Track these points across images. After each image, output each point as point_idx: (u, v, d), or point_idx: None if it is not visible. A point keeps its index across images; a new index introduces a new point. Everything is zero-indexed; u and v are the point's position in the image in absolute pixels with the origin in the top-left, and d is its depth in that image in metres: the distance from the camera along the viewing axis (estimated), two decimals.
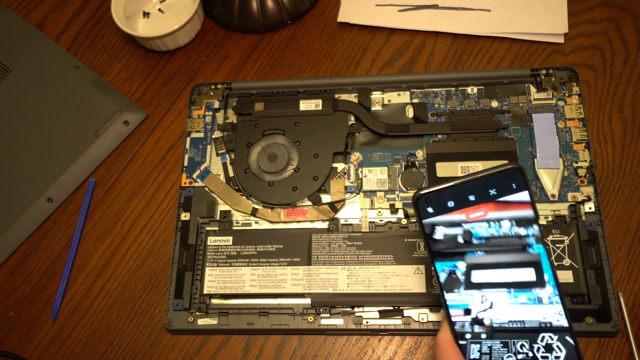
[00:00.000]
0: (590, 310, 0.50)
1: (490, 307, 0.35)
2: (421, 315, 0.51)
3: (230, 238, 0.56)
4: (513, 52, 0.63)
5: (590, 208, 0.53)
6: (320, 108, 0.60)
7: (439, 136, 0.58)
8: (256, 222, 0.57)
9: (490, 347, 0.34)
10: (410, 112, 0.60)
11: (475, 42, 0.64)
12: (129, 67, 0.68)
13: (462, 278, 0.35)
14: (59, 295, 0.57)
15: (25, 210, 0.59)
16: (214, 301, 0.54)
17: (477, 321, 0.35)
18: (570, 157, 0.55)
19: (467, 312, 0.35)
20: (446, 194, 0.35)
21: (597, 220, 0.52)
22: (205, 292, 0.54)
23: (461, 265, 0.35)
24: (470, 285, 0.35)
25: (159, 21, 0.69)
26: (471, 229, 0.35)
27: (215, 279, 0.54)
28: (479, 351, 0.35)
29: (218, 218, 0.57)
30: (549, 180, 0.55)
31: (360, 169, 0.58)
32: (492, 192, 0.35)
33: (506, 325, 0.34)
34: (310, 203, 0.57)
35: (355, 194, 0.57)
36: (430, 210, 0.35)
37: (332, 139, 0.59)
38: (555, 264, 0.51)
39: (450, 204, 0.35)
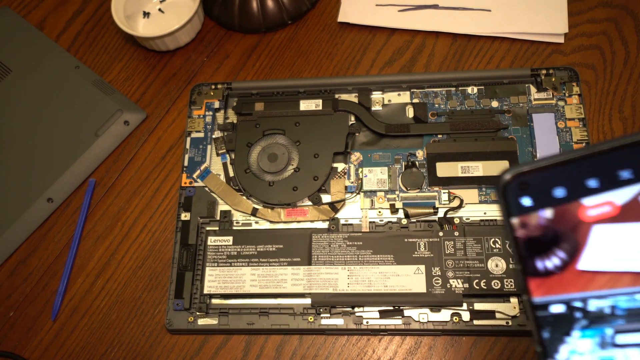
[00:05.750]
0: None
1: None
2: (421, 315, 0.51)
3: (231, 238, 0.56)
4: (513, 52, 0.63)
5: None
6: (320, 108, 0.60)
7: (439, 136, 0.58)
8: (256, 222, 0.57)
9: None
10: (410, 112, 0.60)
11: (476, 42, 0.64)
12: (129, 67, 0.68)
13: (610, 341, 0.28)
14: (59, 295, 0.57)
15: (25, 210, 0.59)
16: (214, 301, 0.54)
17: None
18: None
19: None
20: (553, 177, 0.25)
21: None
22: (205, 292, 0.54)
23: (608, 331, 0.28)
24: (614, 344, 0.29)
25: (159, 21, 0.69)
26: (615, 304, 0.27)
27: (215, 279, 0.54)
28: None
29: (218, 218, 0.57)
30: None
31: (360, 169, 0.58)
32: (624, 174, 0.25)
33: None
34: (310, 203, 0.57)
35: (355, 194, 0.57)
36: (526, 202, 0.25)
37: (332, 139, 0.59)
38: None
39: (559, 192, 0.25)
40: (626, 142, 0.25)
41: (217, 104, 0.62)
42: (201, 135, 0.61)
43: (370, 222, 0.56)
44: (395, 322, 0.51)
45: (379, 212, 0.56)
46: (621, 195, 0.25)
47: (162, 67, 0.67)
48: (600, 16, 0.63)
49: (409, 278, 0.52)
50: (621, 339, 0.29)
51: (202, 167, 0.59)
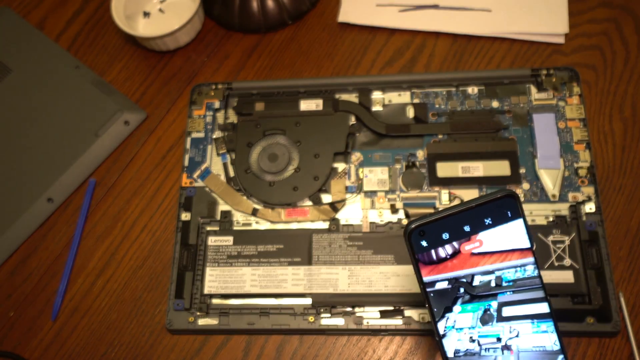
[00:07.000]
0: (591, 310, 0.50)
1: (517, 336, 0.35)
2: (422, 315, 0.51)
3: (231, 238, 0.56)
4: (513, 52, 0.63)
5: (590, 208, 0.53)
6: (320, 108, 0.60)
7: (439, 136, 0.58)
8: (257, 222, 0.57)
9: None
10: (410, 112, 0.60)
11: (476, 42, 0.64)
12: (129, 67, 0.68)
13: (494, 314, 0.35)
14: (59, 295, 0.57)
15: (25, 210, 0.59)
16: (215, 301, 0.54)
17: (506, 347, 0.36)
18: (570, 157, 0.55)
19: (499, 340, 0.36)
20: (441, 226, 0.35)
21: (598, 220, 0.52)
22: (205, 292, 0.54)
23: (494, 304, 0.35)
24: (501, 319, 0.35)
25: (159, 21, 0.69)
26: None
27: (215, 279, 0.54)
28: None
29: (219, 218, 0.57)
30: (550, 181, 0.55)
31: (360, 169, 0.58)
32: (487, 221, 0.35)
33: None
34: (310, 203, 0.57)
35: (355, 194, 0.57)
36: (424, 243, 0.35)
37: (332, 139, 0.59)
38: (556, 264, 0.51)
39: (445, 235, 0.35)
40: (487, 200, 0.35)
41: (217, 104, 0.62)
42: (201, 135, 0.61)
43: (370, 223, 0.56)
44: (395, 322, 0.51)
45: (380, 212, 0.56)
46: (488, 234, 0.35)
47: (162, 67, 0.67)
48: (600, 16, 0.63)
49: (410, 278, 0.52)
50: (508, 311, 0.35)
51: (203, 167, 0.59)
